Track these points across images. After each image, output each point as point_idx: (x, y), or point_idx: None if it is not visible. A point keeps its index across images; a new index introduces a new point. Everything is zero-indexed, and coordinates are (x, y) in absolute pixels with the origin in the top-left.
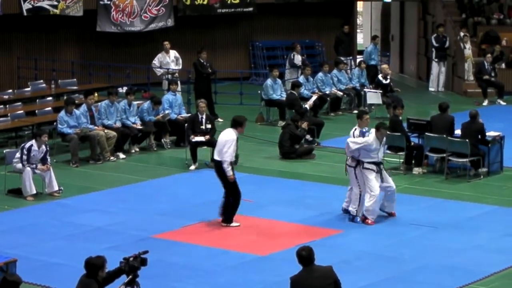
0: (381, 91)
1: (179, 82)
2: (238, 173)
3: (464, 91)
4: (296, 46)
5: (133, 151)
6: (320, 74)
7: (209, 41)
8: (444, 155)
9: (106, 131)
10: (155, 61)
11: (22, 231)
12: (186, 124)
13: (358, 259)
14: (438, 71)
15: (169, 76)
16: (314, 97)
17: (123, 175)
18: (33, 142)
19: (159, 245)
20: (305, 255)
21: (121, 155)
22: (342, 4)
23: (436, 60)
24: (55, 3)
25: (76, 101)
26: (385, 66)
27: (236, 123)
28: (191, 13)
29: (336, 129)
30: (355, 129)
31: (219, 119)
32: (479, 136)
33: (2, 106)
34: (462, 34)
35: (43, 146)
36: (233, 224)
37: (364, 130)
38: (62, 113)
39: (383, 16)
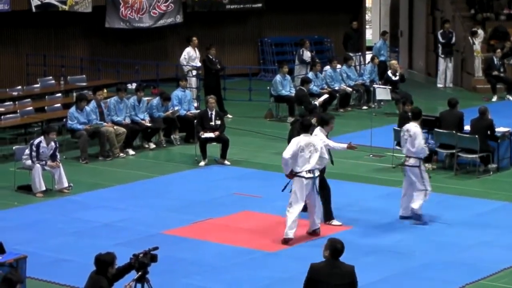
0: (390, 87)
1: (195, 79)
2: (246, 168)
3: (473, 87)
4: (305, 42)
5: (146, 146)
6: (329, 70)
7: (218, 37)
8: (454, 151)
9: (115, 127)
10: (185, 55)
11: (32, 227)
12: (195, 121)
13: (366, 255)
14: (445, 67)
15: (194, 72)
16: (325, 96)
17: (132, 172)
18: (41, 138)
19: (168, 241)
20: (340, 248)
21: (131, 152)
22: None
23: (443, 56)
24: None
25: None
26: (394, 62)
27: (322, 122)
28: (200, 9)
29: (345, 125)
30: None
31: (229, 115)
32: (489, 132)
33: (11, 102)
34: (480, 31)
35: (52, 143)
36: (334, 222)
37: None
38: (73, 109)
39: (392, 11)
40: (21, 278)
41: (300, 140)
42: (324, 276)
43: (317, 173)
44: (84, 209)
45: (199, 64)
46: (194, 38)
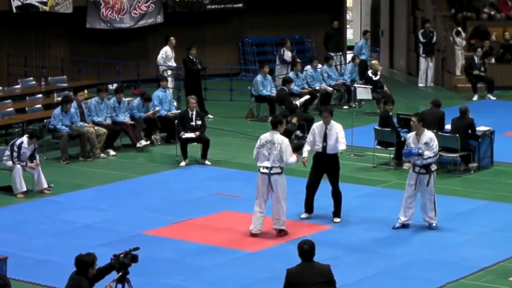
0: (371, 87)
1: (171, 79)
2: (227, 169)
3: (454, 86)
4: (286, 42)
5: (157, 137)
6: (310, 70)
7: (199, 37)
8: None
9: (96, 128)
10: (163, 55)
11: (12, 228)
12: (176, 121)
13: (348, 255)
14: (426, 67)
15: (169, 72)
16: (306, 96)
17: (113, 172)
18: (23, 139)
19: (149, 241)
20: (307, 249)
21: (111, 152)
22: None
23: (424, 55)
24: (45, 0)
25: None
26: (375, 62)
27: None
28: (181, 9)
29: None
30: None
31: (209, 116)
32: (469, 131)
33: None
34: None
35: (32, 144)
36: (302, 215)
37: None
38: (58, 110)
39: (373, 11)
40: (9, 282)
41: (262, 136)
42: (301, 278)
43: (274, 170)
44: (65, 210)
45: (175, 64)
46: (172, 38)
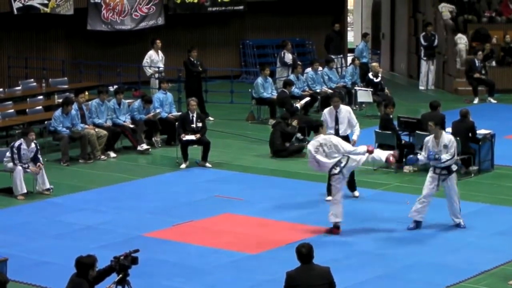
0: (371, 89)
1: (157, 81)
2: (228, 171)
3: (455, 89)
4: (287, 44)
5: (158, 139)
6: (310, 73)
7: (200, 39)
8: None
9: (96, 130)
10: (147, 59)
11: (13, 230)
12: (176, 123)
13: (348, 257)
14: (427, 70)
15: (158, 74)
16: (307, 98)
17: (113, 174)
18: (21, 141)
19: (149, 243)
20: (305, 252)
21: (112, 154)
22: (333, 2)
23: (425, 58)
24: (46, 1)
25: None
26: (375, 64)
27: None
28: (182, 11)
29: None
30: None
31: (210, 118)
32: (470, 134)
33: None
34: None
35: (33, 145)
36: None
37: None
38: (58, 112)
39: (374, 14)
40: (7, 279)
41: (309, 145)
42: (301, 280)
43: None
44: (65, 212)
45: (162, 66)
46: (158, 41)
